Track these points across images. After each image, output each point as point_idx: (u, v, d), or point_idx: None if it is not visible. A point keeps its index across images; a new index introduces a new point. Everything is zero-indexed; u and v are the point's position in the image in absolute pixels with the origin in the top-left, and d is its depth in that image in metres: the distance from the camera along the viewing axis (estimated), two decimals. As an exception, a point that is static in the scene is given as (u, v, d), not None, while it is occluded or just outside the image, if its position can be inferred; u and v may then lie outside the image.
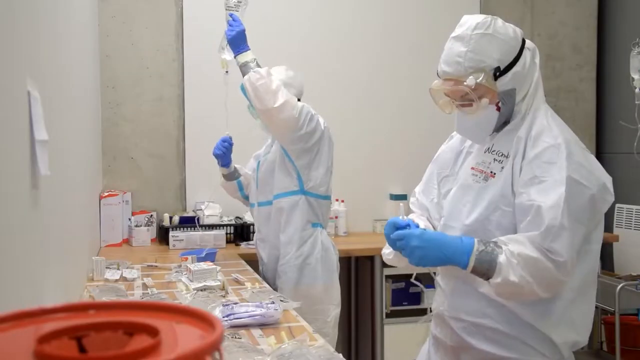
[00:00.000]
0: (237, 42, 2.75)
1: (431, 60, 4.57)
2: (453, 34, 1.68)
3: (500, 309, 1.62)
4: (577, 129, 4.59)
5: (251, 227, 3.74)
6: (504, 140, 1.67)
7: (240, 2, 2.79)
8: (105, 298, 2.21)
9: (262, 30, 4.09)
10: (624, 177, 4.38)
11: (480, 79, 1.60)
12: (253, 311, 1.94)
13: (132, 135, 3.94)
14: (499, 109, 1.65)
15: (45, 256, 1.62)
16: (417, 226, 1.66)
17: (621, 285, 2.92)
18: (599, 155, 4.61)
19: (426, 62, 4.49)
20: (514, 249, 1.52)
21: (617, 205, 4.21)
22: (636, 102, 3.71)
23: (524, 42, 1.69)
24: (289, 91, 2.82)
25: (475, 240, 1.57)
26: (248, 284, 2.49)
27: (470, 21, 1.68)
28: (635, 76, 3.66)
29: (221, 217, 3.79)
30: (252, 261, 3.16)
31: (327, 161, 2.84)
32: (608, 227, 4.31)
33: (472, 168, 1.71)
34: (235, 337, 1.74)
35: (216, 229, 3.67)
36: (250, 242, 3.64)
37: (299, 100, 2.86)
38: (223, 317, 1.90)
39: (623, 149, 4.29)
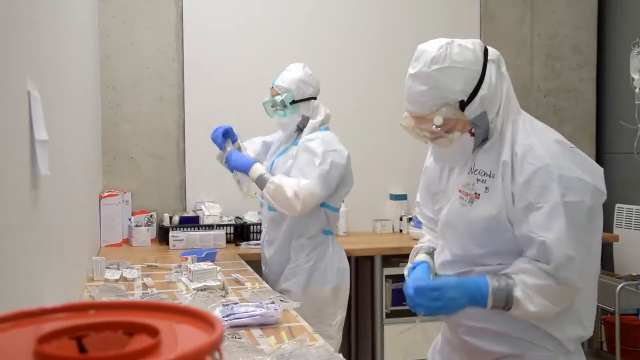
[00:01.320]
0: (240, 164, 2.81)
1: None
2: (411, 70, 1.62)
3: (502, 313, 1.62)
4: (577, 129, 4.60)
5: (251, 227, 3.75)
6: (485, 159, 1.64)
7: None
8: (105, 298, 2.21)
9: (263, 31, 4.09)
10: (624, 177, 4.38)
11: (447, 114, 1.57)
12: (253, 311, 1.94)
13: (132, 135, 3.94)
14: (473, 134, 1.63)
15: (45, 256, 1.62)
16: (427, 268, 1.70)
17: (621, 285, 2.92)
18: (599, 155, 4.61)
19: (426, 62, 4.49)
20: (526, 280, 1.54)
21: (617, 205, 4.22)
22: (636, 102, 3.72)
23: (486, 54, 1.64)
24: (307, 90, 2.82)
25: (488, 278, 1.57)
26: (248, 284, 2.49)
27: (425, 55, 1.59)
28: (635, 76, 3.66)
29: (221, 217, 3.79)
30: (252, 261, 3.16)
31: (350, 183, 2.86)
32: (608, 227, 4.31)
33: (460, 191, 1.69)
34: (235, 337, 1.74)
35: (216, 229, 3.67)
36: (250, 242, 3.64)
37: (315, 98, 2.86)
38: (223, 317, 1.90)
39: (623, 149, 4.29)
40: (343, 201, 3.82)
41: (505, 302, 1.56)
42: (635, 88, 3.67)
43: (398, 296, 3.72)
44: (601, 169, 1.62)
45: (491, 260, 1.63)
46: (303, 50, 4.02)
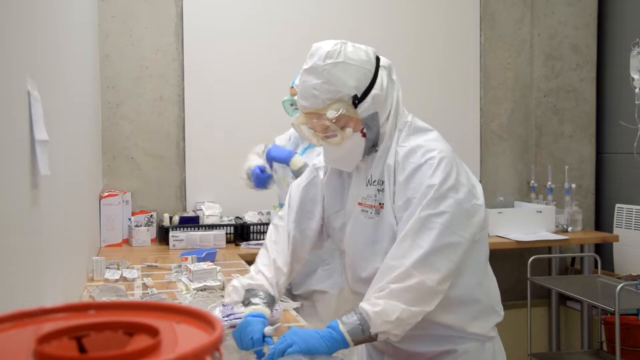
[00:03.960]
0: (281, 155, 2.82)
1: (431, 60, 4.56)
2: (305, 66, 1.64)
3: (433, 319, 1.63)
4: (577, 129, 4.60)
5: (251, 227, 3.74)
6: (378, 167, 1.66)
7: None
8: (105, 298, 2.21)
9: (263, 31, 4.09)
10: (624, 177, 4.38)
11: (340, 109, 1.58)
12: (253, 311, 1.93)
13: (132, 135, 3.94)
14: (364, 134, 1.64)
15: (45, 256, 1.62)
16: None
17: (621, 285, 2.92)
18: (599, 156, 4.61)
19: (426, 62, 4.50)
20: (378, 294, 1.54)
21: (617, 205, 4.22)
22: (636, 102, 3.72)
23: (378, 61, 1.67)
24: None
25: (338, 321, 1.55)
26: (248, 284, 2.48)
27: (320, 51, 1.63)
28: (635, 76, 3.66)
29: (221, 217, 3.79)
30: (252, 261, 3.14)
31: None
32: (608, 227, 4.31)
33: (360, 204, 1.69)
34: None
35: (216, 229, 3.67)
36: (250, 242, 3.64)
37: None
38: (223, 317, 1.90)
39: (623, 149, 4.29)
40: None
41: (362, 332, 1.53)
42: (635, 88, 3.67)
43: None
44: (480, 185, 1.67)
45: None
46: (303, 50, 4.01)
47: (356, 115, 1.60)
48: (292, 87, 2.87)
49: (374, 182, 1.67)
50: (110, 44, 3.89)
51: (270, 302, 1.75)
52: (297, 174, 2.76)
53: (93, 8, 3.56)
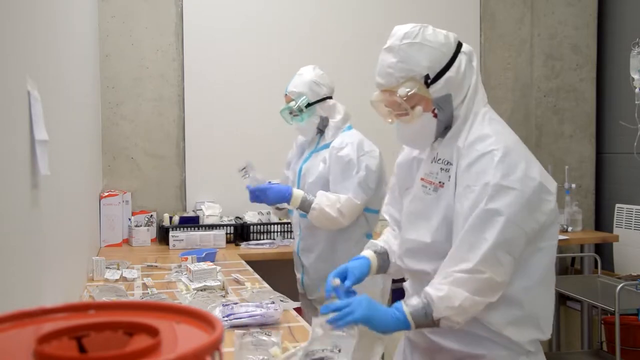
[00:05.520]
0: (278, 197, 2.76)
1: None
2: (385, 46, 1.68)
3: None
4: (577, 129, 4.60)
5: (251, 227, 3.75)
6: (447, 147, 1.67)
7: (245, 168, 2.84)
8: (105, 298, 2.21)
9: (263, 31, 4.09)
10: (624, 177, 4.38)
11: (412, 87, 1.61)
12: (253, 311, 1.94)
13: (132, 135, 3.94)
14: (435, 115, 1.65)
15: (45, 256, 1.62)
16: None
17: (621, 285, 2.92)
18: (599, 156, 4.61)
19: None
20: (442, 279, 1.56)
21: (617, 205, 4.22)
22: (636, 102, 3.71)
23: (460, 47, 1.70)
24: (320, 91, 2.82)
25: (402, 303, 1.59)
26: (248, 284, 2.49)
27: (399, 32, 1.66)
28: (635, 76, 3.66)
29: (221, 217, 3.79)
30: (252, 261, 3.15)
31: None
32: (608, 227, 4.31)
33: (422, 179, 1.71)
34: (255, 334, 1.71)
35: (216, 229, 3.67)
36: (250, 242, 3.64)
37: (330, 97, 2.84)
38: (223, 317, 1.90)
39: (623, 149, 4.29)
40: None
41: (425, 316, 1.55)
42: (635, 88, 3.67)
43: (398, 297, 3.70)
44: (554, 184, 1.63)
45: (433, 253, 1.65)
46: (303, 50, 4.02)
47: (428, 95, 1.63)
48: (286, 94, 2.86)
49: (439, 160, 1.68)
50: (110, 44, 3.89)
51: (380, 251, 1.88)
52: (301, 207, 2.75)
53: (93, 8, 3.56)
